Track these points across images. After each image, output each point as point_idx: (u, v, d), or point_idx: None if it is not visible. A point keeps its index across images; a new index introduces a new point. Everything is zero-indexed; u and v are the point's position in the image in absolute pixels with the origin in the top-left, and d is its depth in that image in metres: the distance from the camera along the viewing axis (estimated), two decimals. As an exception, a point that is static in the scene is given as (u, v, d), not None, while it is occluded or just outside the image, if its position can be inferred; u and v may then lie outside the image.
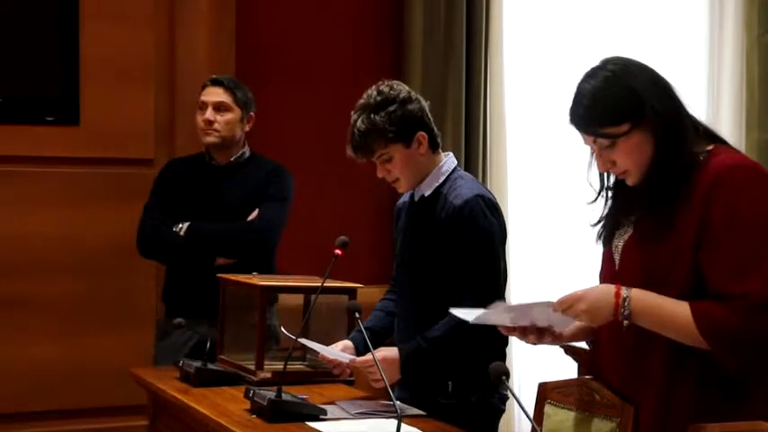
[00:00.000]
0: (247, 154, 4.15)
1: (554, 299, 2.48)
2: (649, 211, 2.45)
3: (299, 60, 4.91)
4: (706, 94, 5.41)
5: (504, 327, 2.59)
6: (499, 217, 3.28)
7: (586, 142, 2.51)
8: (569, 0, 5.26)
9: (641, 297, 2.40)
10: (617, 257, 2.53)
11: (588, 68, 2.49)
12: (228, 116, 4.08)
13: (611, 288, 2.43)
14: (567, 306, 2.44)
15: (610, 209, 2.58)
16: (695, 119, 2.50)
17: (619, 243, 2.53)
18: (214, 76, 4.16)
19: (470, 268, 3.18)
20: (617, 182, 2.58)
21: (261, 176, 4.10)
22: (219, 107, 4.07)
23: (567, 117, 2.49)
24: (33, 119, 4.56)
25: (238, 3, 4.76)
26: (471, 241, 3.19)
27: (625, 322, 2.40)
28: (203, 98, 4.10)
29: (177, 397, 3.34)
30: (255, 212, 4.02)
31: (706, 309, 2.35)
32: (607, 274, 2.57)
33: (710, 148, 2.46)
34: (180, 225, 3.99)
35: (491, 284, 3.17)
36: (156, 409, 3.65)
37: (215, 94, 4.09)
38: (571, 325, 2.60)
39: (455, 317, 2.81)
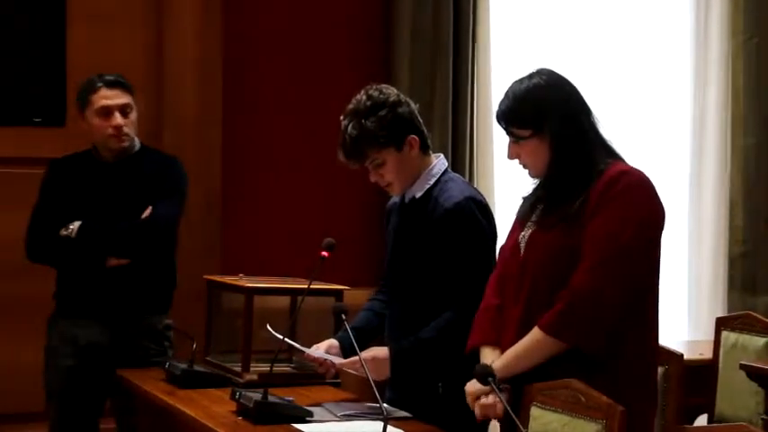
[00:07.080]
0: (137, 146, 3.99)
1: None
2: (550, 207, 2.82)
3: (287, 60, 4.90)
4: (692, 99, 5.43)
5: None
6: (490, 219, 3.30)
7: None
8: (556, 3, 5.29)
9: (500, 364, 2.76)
10: (522, 247, 2.84)
11: (524, 73, 2.90)
12: (133, 116, 3.93)
13: None
14: None
15: (535, 190, 2.92)
16: (602, 137, 2.86)
17: (525, 234, 2.85)
18: (108, 77, 3.93)
19: (461, 270, 3.19)
20: None
21: (153, 170, 3.95)
22: (124, 109, 3.91)
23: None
24: (20, 120, 4.54)
25: (225, 4, 4.76)
26: (462, 243, 3.19)
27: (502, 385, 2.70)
28: (106, 102, 3.88)
29: (163, 398, 3.34)
30: (149, 210, 3.86)
31: (548, 318, 2.71)
32: (513, 263, 2.87)
33: (611, 161, 2.82)
34: (71, 226, 3.83)
35: (482, 286, 3.18)
36: (142, 411, 3.65)
37: (118, 97, 3.90)
38: None
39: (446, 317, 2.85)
